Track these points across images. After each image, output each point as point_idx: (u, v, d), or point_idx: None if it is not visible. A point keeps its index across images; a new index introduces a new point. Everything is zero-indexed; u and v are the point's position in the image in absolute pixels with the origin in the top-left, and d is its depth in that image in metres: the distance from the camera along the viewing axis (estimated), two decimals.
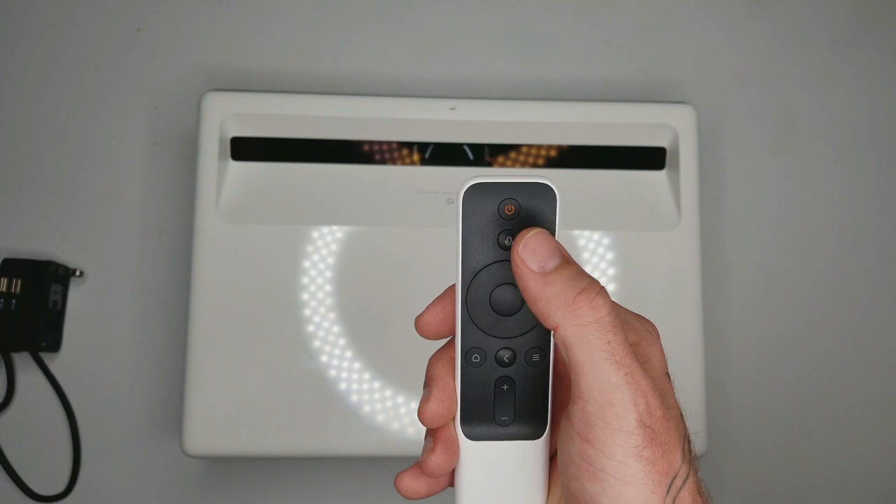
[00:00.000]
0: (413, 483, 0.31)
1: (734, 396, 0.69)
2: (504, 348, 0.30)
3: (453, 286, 0.31)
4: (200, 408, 0.59)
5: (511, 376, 0.31)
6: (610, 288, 0.62)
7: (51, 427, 0.66)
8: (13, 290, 0.64)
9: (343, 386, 0.60)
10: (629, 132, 0.65)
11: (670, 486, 0.26)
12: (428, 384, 0.31)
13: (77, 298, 0.68)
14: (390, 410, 0.60)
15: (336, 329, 0.61)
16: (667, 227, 0.63)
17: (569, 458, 0.27)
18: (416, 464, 0.31)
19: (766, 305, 0.71)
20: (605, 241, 0.63)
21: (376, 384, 0.60)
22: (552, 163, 0.65)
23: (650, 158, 0.65)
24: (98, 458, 0.66)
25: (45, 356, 0.66)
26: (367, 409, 0.60)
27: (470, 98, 0.64)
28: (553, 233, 0.29)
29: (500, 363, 0.30)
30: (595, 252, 0.63)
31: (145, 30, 0.72)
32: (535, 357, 0.30)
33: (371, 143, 0.64)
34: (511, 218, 0.30)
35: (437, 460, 0.30)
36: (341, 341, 0.61)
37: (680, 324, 0.62)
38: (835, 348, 0.71)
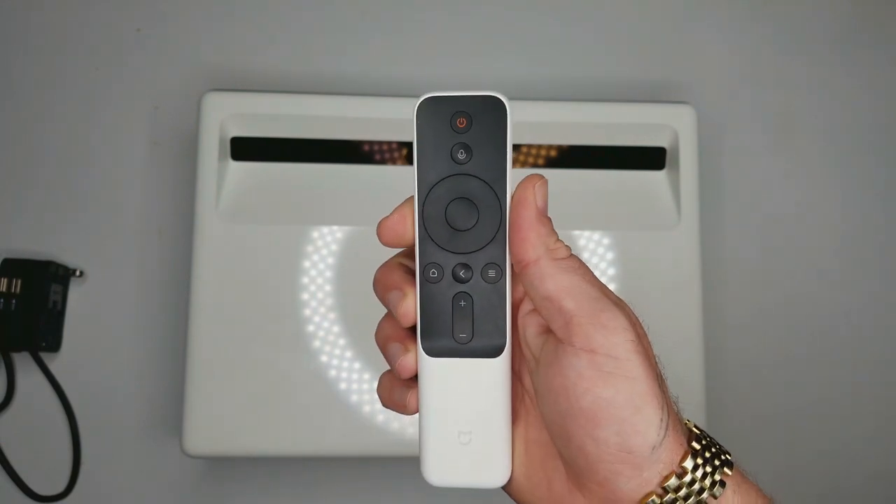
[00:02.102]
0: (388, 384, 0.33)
1: (734, 396, 0.69)
2: (460, 264, 0.30)
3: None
4: (200, 408, 0.59)
5: (468, 292, 0.30)
6: (610, 288, 0.62)
7: (51, 427, 0.66)
8: (13, 290, 0.64)
9: (343, 386, 0.60)
10: (629, 132, 0.65)
11: (658, 381, 0.29)
12: (389, 290, 0.32)
13: (77, 298, 0.68)
14: (390, 410, 0.60)
15: (336, 329, 0.61)
16: (667, 227, 0.63)
17: (576, 375, 0.28)
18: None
19: (766, 305, 0.71)
20: (605, 241, 0.63)
21: (376, 384, 0.60)
22: (552, 163, 0.65)
23: (650, 158, 0.65)
24: (98, 458, 0.67)
25: (45, 356, 0.66)
26: (367, 409, 0.60)
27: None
28: (505, 145, 0.30)
29: (457, 279, 0.30)
30: (595, 252, 0.63)
31: (145, 30, 0.72)
32: (492, 273, 0.30)
33: (371, 143, 0.64)
34: (463, 131, 0.30)
35: (409, 362, 0.31)
36: (341, 341, 0.61)
37: (680, 323, 0.62)
38: (835, 348, 0.71)
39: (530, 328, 0.32)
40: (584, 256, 0.63)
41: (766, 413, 0.70)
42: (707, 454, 0.29)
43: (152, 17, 0.73)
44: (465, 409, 0.31)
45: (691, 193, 0.63)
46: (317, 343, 0.61)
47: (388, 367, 0.33)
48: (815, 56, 0.75)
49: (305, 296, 0.61)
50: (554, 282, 0.29)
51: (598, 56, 0.74)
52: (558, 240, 0.30)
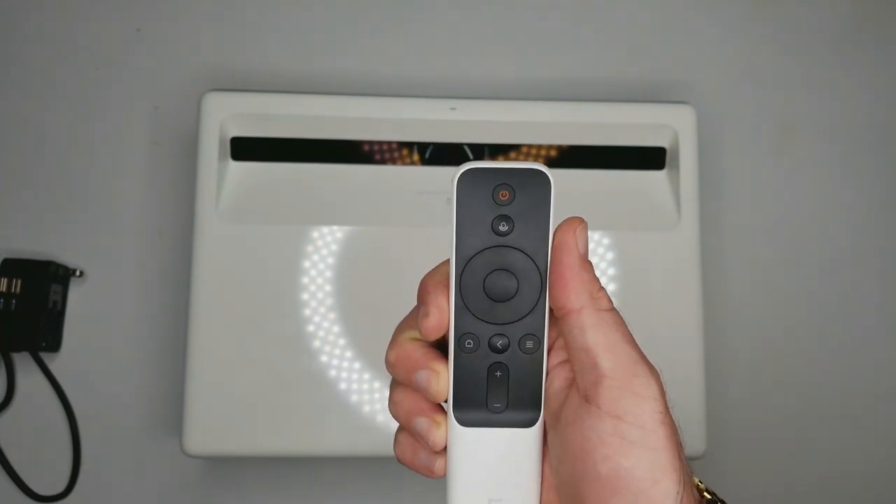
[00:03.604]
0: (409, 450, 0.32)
1: (734, 396, 0.69)
2: (497, 334, 0.30)
3: (436, 282, 0.31)
4: (200, 408, 0.59)
5: (505, 363, 0.30)
6: (610, 288, 0.62)
7: (51, 427, 0.66)
8: (13, 290, 0.64)
9: (343, 386, 0.60)
10: (629, 132, 0.65)
11: (681, 452, 0.29)
12: (422, 301, 0.31)
13: (77, 298, 0.68)
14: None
15: (336, 329, 0.61)
16: (667, 227, 0.63)
17: (598, 439, 0.28)
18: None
19: (766, 305, 0.71)
20: (605, 241, 0.63)
21: (376, 384, 0.60)
22: (552, 163, 0.65)
23: (650, 158, 0.65)
24: (98, 458, 0.66)
25: (45, 356, 0.66)
26: (367, 409, 0.60)
27: (470, 98, 0.64)
28: (548, 218, 0.30)
29: (494, 349, 0.30)
30: (595, 252, 0.63)
31: (145, 30, 0.72)
32: (529, 344, 0.30)
33: (371, 143, 0.64)
34: (505, 204, 0.30)
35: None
36: (341, 341, 0.61)
37: (680, 323, 0.62)
38: (835, 348, 0.71)
39: (556, 381, 0.31)
40: None
41: (767, 413, 0.70)
42: None
43: (152, 17, 0.73)
44: (497, 478, 0.31)
45: (691, 193, 0.63)
46: (317, 343, 0.61)
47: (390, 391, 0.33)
48: (815, 56, 0.75)
49: (305, 296, 0.61)
50: (594, 335, 0.29)
51: (598, 56, 0.74)
52: (601, 287, 0.30)
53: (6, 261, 0.66)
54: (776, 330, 0.71)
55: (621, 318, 0.29)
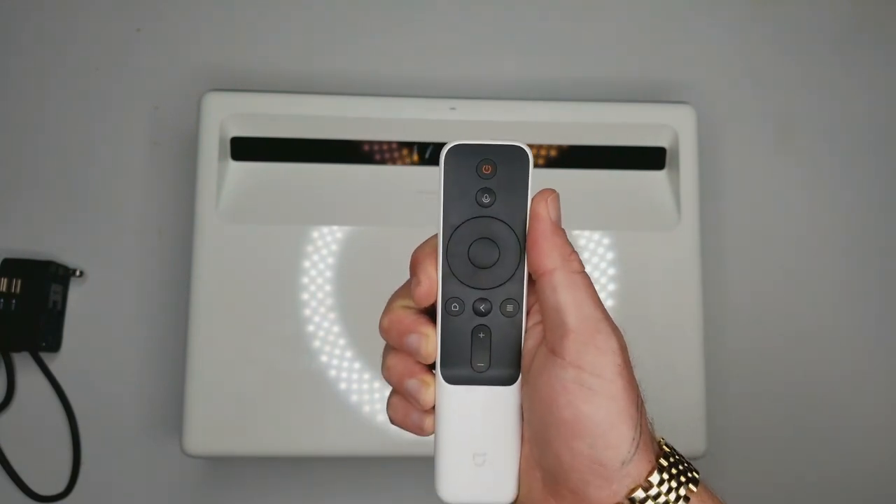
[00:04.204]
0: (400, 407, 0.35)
1: (734, 395, 0.69)
2: (481, 299, 0.33)
3: (426, 253, 0.34)
4: (200, 408, 0.59)
5: (487, 325, 0.33)
6: (610, 288, 0.62)
7: (51, 427, 0.66)
8: (13, 290, 0.64)
9: (343, 386, 0.60)
10: (629, 132, 0.65)
11: (637, 403, 0.31)
12: (413, 270, 0.34)
13: (77, 298, 0.68)
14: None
15: (336, 329, 0.61)
16: (667, 227, 0.63)
17: (561, 387, 0.31)
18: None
19: (766, 305, 0.71)
20: (605, 241, 0.63)
21: (376, 384, 0.60)
22: (552, 163, 0.65)
23: (650, 158, 0.65)
24: (98, 458, 0.67)
25: (45, 356, 0.66)
26: (367, 409, 0.60)
27: (470, 98, 0.64)
28: (527, 191, 0.33)
29: (478, 313, 0.33)
30: (595, 252, 0.63)
31: (145, 30, 0.72)
32: (510, 308, 0.33)
33: (371, 143, 0.64)
34: (488, 178, 0.32)
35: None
36: (341, 341, 0.61)
37: (680, 323, 0.62)
38: (835, 348, 0.71)
39: (528, 341, 0.34)
40: (584, 256, 0.63)
41: (767, 413, 0.70)
42: (674, 471, 0.31)
43: (152, 17, 0.73)
44: (481, 433, 0.33)
45: (691, 193, 0.63)
46: (317, 343, 0.61)
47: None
48: (815, 56, 0.75)
49: (305, 296, 0.61)
50: (564, 294, 0.31)
51: (598, 56, 0.74)
52: (573, 251, 0.32)
53: (6, 261, 0.66)
54: (776, 330, 0.71)
55: (590, 281, 0.32)
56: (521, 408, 0.33)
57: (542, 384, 0.31)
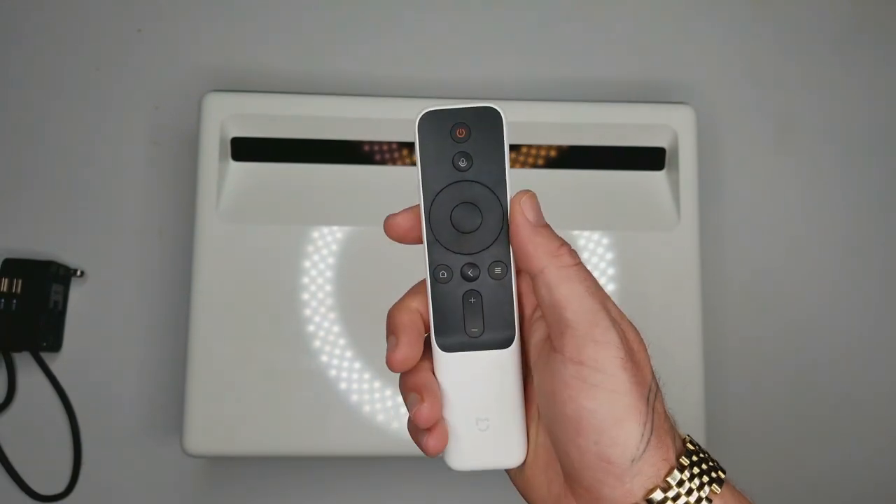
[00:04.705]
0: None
1: (733, 395, 0.69)
2: (468, 264, 0.33)
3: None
4: (200, 408, 0.59)
5: (477, 290, 0.33)
6: (610, 288, 0.62)
7: (51, 427, 0.67)
8: (14, 290, 0.64)
9: (343, 386, 0.60)
10: (629, 132, 0.65)
11: (648, 397, 0.30)
12: (393, 332, 0.33)
13: (78, 298, 0.68)
14: (390, 410, 0.60)
15: (336, 329, 0.61)
16: (666, 227, 0.63)
17: (562, 383, 0.30)
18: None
19: (765, 305, 0.71)
20: (605, 241, 0.63)
21: (376, 384, 0.60)
22: (552, 163, 0.65)
23: (650, 158, 0.65)
24: (98, 458, 0.67)
25: (45, 356, 0.66)
26: (367, 409, 0.60)
27: (470, 98, 0.64)
28: (503, 151, 0.32)
29: (466, 278, 0.33)
30: (595, 252, 0.63)
31: (146, 30, 0.73)
32: (498, 270, 0.33)
33: (371, 143, 0.64)
34: (463, 141, 0.32)
35: (426, 410, 0.32)
36: (341, 341, 0.61)
37: (679, 323, 0.62)
38: (834, 347, 0.71)
39: (537, 333, 0.33)
40: (584, 256, 0.63)
41: (767, 413, 0.70)
42: (696, 470, 0.30)
43: (152, 17, 0.73)
44: (482, 398, 0.33)
45: (691, 194, 0.63)
46: (317, 343, 0.61)
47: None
48: (815, 56, 0.75)
49: (305, 296, 0.61)
50: (559, 291, 0.31)
51: (598, 56, 0.74)
52: (562, 244, 0.32)
53: (7, 261, 0.66)
54: (775, 329, 0.71)
55: (586, 272, 0.31)
56: (521, 369, 0.33)
57: (545, 380, 0.31)
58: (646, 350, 0.32)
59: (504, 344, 0.33)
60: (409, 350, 0.32)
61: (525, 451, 0.33)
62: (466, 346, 0.33)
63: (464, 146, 0.32)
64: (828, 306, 0.72)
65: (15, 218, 0.69)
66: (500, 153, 0.32)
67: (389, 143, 0.64)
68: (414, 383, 0.33)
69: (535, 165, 0.65)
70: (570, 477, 0.31)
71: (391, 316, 0.33)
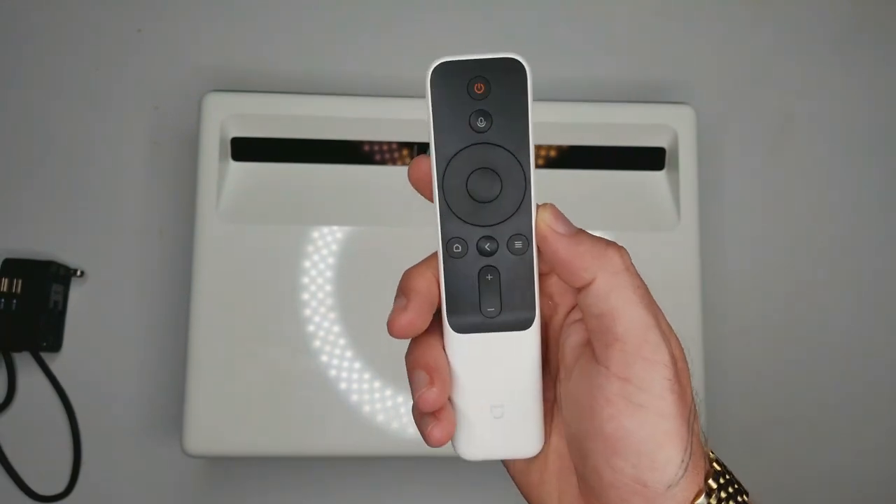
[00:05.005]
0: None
1: (733, 395, 0.69)
2: (485, 237, 0.29)
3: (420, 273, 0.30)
4: (200, 408, 0.59)
5: (495, 265, 0.29)
6: None
7: (51, 427, 0.67)
8: (14, 291, 0.64)
9: (343, 386, 0.60)
10: (629, 132, 0.65)
11: (689, 419, 0.28)
12: (404, 293, 0.30)
13: (78, 298, 0.68)
14: (390, 410, 0.60)
15: (336, 329, 0.61)
16: (666, 227, 0.63)
17: (604, 399, 0.28)
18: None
19: (766, 305, 0.71)
20: None
21: (376, 384, 0.60)
22: (552, 163, 0.65)
23: (650, 158, 0.65)
24: (98, 458, 0.67)
25: (45, 356, 0.66)
26: (367, 409, 0.60)
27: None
28: (526, 110, 0.29)
29: (483, 253, 0.29)
30: None
31: (146, 30, 0.73)
32: (518, 244, 0.29)
33: (371, 143, 0.64)
34: (481, 97, 0.29)
35: (434, 395, 0.29)
36: (341, 341, 0.61)
37: (679, 323, 0.61)
38: (834, 347, 0.71)
39: (573, 336, 0.31)
40: None
41: (767, 413, 0.70)
42: (723, 494, 0.29)
43: (152, 17, 0.73)
44: (497, 383, 0.30)
45: (691, 194, 0.63)
46: (317, 343, 0.61)
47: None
48: (815, 56, 0.75)
49: (305, 296, 0.61)
50: (609, 301, 0.28)
51: (598, 56, 0.74)
52: (608, 244, 0.29)
53: (7, 261, 0.66)
54: (776, 330, 0.71)
55: (639, 279, 0.29)
56: (540, 353, 0.30)
57: (583, 392, 0.29)
58: (688, 368, 0.30)
59: (523, 325, 0.30)
60: (416, 317, 0.29)
61: (542, 441, 0.31)
62: (482, 328, 0.30)
63: (482, 103, 0.29)
64: (828, 306, 0.72)
65: (15, 218, 0.69)
66: (523, 112, 0.29)
67: (389, 143, 0.64)
68: (424, 361, 0.30)
69: (534, 165, 0.65)
70: (593, 493, 0.29)
71: (406, 277, 0.30)
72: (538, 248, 0.29)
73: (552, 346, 0.32)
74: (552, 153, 0.65)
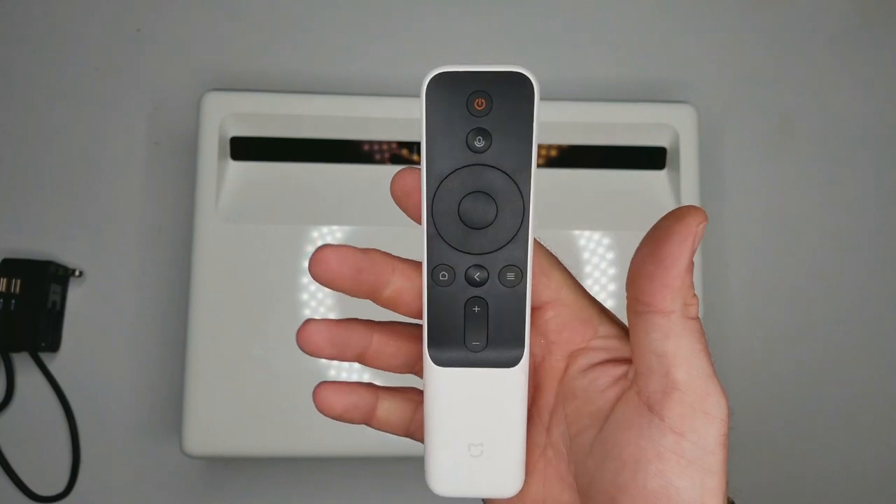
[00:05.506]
0: (334, 396, 0.30)
1: (734, 395, 0.69)
2: (475, 265, 0.27)
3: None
4: (200, 408, 0.59)
5: (483, 297, 0.27)
6: (610, 288, 0.62)
7: (50, 427, 0.66)
8: (13, 291, 0.64)
9: None
10: (629, 132, 0.65)
11: (726, 471, 0.27)
12: (363, 250, 0.29)
13: (76, 298, 0.68)
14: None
15: None
16: None
17: (654, 453, 0.26)
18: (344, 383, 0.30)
19: (766, 305, 0.71)
20: (605, 241, 0.63)
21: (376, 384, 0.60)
22: (552, 163, 0.65)
23: (650, 158, 0.65)
24: (98, 458, 0.66)
25: (44, 356, 0.66)
26: None
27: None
28: (531, 131, 0.26)
29: (471, 282, 0.27)
30: (595, 252, 0.63)
31: (145, 30, 0.72)
32: (510, 276, 0.27)
33: (371, 143, 0.64)
34: (482, 114, 0.26)
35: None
36: None
37: None
38: (834, 347, 0.71)
39: (601, 379, 0.28)
40: (584, 256, 0.63)
41: (767, 413, 0.70)
42: None
43: (152, 17, 0.73)
44: (478, 422, 0.28)
45: (691, 193, 0.63)
46: None
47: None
48: (814, 56, 0.75)
49: (305, 296, 0.61)
50: (676, 342, 0.26)
51: (599, 56, 0.74)
52: (694, 294, 0.27)
53: (6, 261, 0.66)
54: (776, 329, 0.71)
55: (703, 330, 0.27)
56: (526, 392, 0.28)
57: (627, 443, 0.27)
58: None
59: (510, 363, 0.28)
60: (339, 265, 0.28)
61: (522, 481, 0.29)
62: (465, 362, 0.28)
63: (482, 121, 0.26)
64: (828, 305, 0.71)
65: (14, 218, 0.69)
66: (527, 132, 0.26)
67: (389, 143, 0.64)
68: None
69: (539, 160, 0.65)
70: None
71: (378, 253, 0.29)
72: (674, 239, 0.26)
73: (545, 390, 0.30)
74: (552, 153, 0.65)
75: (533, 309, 0.28)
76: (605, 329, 0.29)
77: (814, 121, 0.74)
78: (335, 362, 0.60)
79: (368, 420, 0.31)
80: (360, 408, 0.31)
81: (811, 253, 0.72)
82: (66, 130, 0.71)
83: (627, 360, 0.28)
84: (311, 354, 0.30)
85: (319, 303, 0.61)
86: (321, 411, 0.30)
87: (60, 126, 0.71)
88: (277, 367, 0.60)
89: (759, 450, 0.69)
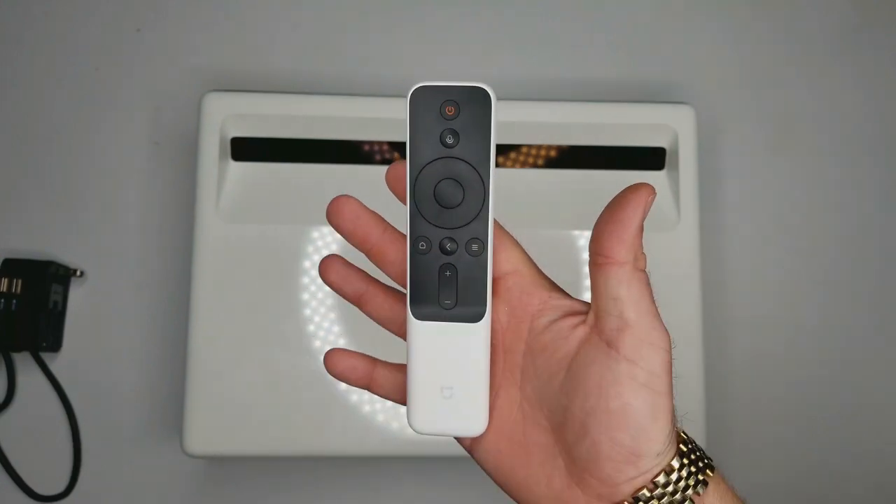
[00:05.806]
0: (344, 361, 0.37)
1: (734, 395, 0.69)
2: (447, 238, 0.34)
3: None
4: (200, 408, 0.59)
5: (453, 263, 0.34)
6: None
7: (51, 427, 0.67)
8: (14, 291, 0.64)
9: (343, 386, 0.60)
10: (629, 132, 0.65)
11: (672, 395, 0.32)
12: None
13: (77, 298, 0.68)
14: (390, 410, 0.60)
15: (336, 329, 0.61)
16: (667, 227, 0.63)
17: (612, 379, 0.31)
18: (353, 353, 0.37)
19: (766, 305, 0.71)
20: None
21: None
22: (552, 163, 0.65)
23: (650, 158, 0.65)
24: (98, 457, 0.67)
25: (45, 356, 0.66)
26: (367, 409, 0.60)
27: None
28: (489, 132, 0.33)
29: (444, 251, 0.34)
30: None
31: (145, 30, 0.73)
32: (475, 247, 0.34)
33: (371, 143, 0.64)
34: (452, 118, 0.33)
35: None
36: (341, 341, 0.61)
37: (679, 323, 0.62)
38: (834, 347, 0.71)
39: (564, 330, 0.34)
40: (584, 256, 0.63)
41: (766, 413, 0.70)
42: (693, 456, 0.33)
43: (152, 17, 0.73)
44: (449, 368, 0.34)
45: (691, 193, 0.63)
46: (317, 343, 0.61)
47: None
48: (814, 56, 0.75)
49: (305, 296, 0.61)
50: (629, 289, 0.32)
51: (599, 56, 0.74)
52: (643, 252, 0.34)
53: (7, 261, 0.66)
54: (776, 329, 0.71)
55: (649, 280, 0.33)
56: (489, 344, 0.34)
57: (590, 374, 0.32)
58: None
59: (475, 318, 0.34)
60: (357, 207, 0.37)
61: (486, 423, 0.34)
62: (438, 317, 0.34)
63: (452, 123, 0.33)
64: (828, 305, 0.72)
65: (15, 218, 0.69)
66: (486, 133, 0.33)
67: (389, 143, 0.64)
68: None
69: (534, 165, 0.65)
70: (586, 468, 0.32)
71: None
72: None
73: (513, 352, 0.35)
74: (552, 153, 0.65)
75: (496, 278, 0.35)
76: (557, 294, 0.35)
77: (813, 121, 0.74)
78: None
79: (368, 384, 0.37)
80: (358, 370, 0.37)
81: (810, 253, 0.72)
82: (66, 130, 0.71)
83: (580, 313, 0.34)
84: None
85: (320, 303, 0.61)
86: (327, 369, 0.37)
87: (60, 126, 0.71)
88: (278, 367, 0.60)
89: (759, 450, 0.69)
